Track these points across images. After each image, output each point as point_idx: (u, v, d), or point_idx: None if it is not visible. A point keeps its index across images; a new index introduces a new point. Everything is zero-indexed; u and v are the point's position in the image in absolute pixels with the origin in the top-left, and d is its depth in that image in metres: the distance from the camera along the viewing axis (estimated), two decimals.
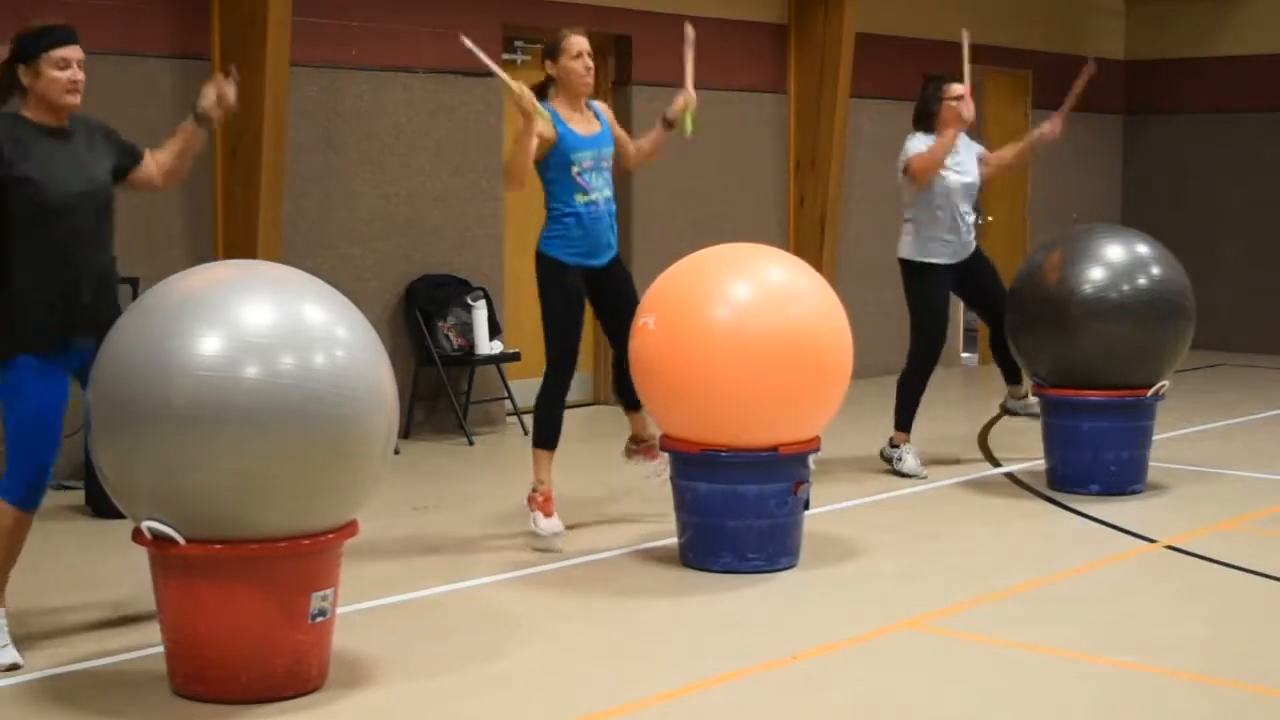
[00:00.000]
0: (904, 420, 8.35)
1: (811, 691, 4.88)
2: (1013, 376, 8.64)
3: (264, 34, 8.38)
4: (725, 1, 11.32)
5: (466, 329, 9.59)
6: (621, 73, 10.70)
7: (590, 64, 6.63)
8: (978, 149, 8.56)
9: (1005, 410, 8.91)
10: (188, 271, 4.87)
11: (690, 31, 6.91)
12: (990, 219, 13.42)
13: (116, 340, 4.63)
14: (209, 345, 4.42)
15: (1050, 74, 13.86)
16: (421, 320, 9.54)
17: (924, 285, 8.26)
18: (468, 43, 6.41)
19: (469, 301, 9.60)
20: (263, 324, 4.48)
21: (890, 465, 8.34)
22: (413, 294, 9.59)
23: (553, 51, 6.61)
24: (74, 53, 5.04)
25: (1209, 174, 14.61)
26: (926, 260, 8.21)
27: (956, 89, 8.11)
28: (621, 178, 10.67)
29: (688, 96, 6.78)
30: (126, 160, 5.29)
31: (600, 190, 6.60)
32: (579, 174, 6.54)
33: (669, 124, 6.82)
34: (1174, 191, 14.76)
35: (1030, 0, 13.74)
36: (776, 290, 6.16)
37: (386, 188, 9.52)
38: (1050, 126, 8.49)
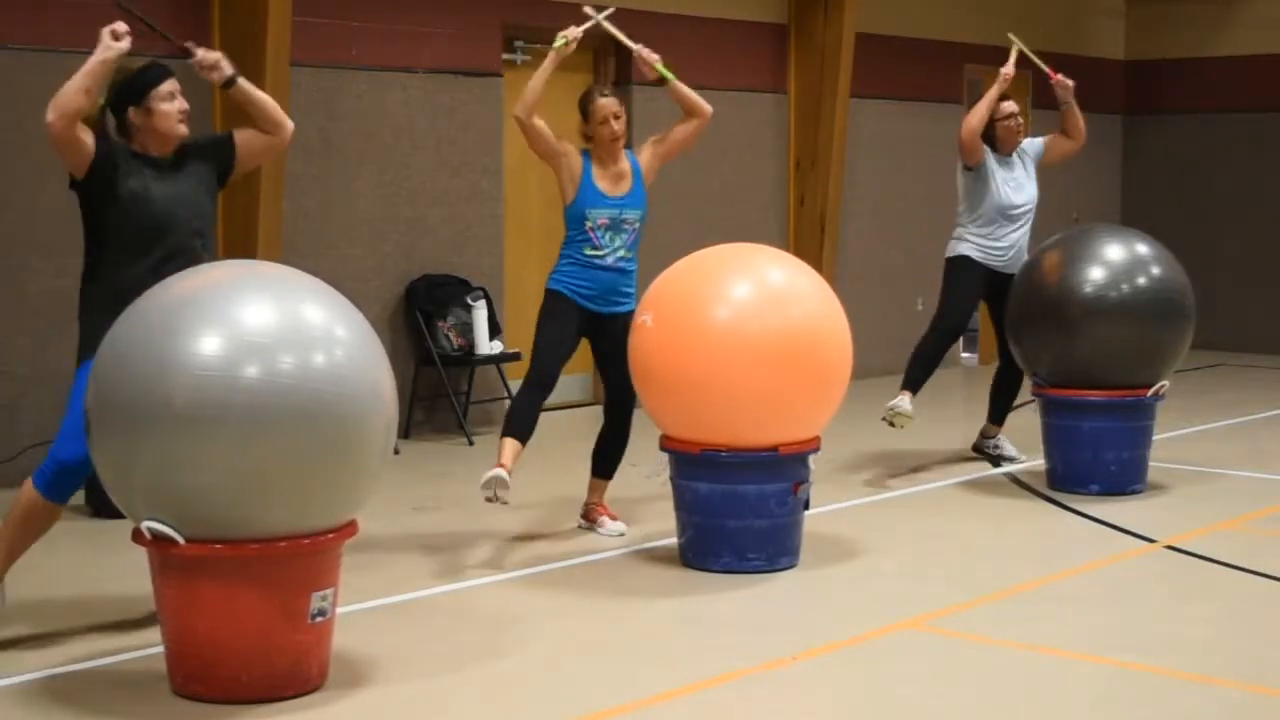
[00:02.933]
0: (912, 380, 8.27)
1: (811, 691, 4.88)
2: (998, 416, 8.62)
3: (264, 34, 8.39)
4: (725, 1, 11.33)
5: (466, 329, 9.59)
6: (621, 73, 10.68)
7: (616, 128, 6.67)
8: (1036, 148, 8.47)
9: (974, 448, 8.77)
10: (188, 271, 4.87)
11: (590, 10, 6.81)
12: None
13: (116, 340, 4.63)
14: (209, 345, 4.42)
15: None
16: (421, 320, 9.54)
17: (952, 276, 8.40)
18: (590, 10, 6.68)
19: (469, 301, 9.61)
20: (263, 324, 4.48)
21: (891, 421, 8.13)
22: (413, 294, 9.59)
23: (583, 112, 6.72)
24: (175, 84, 5.25)
25: (1209, 174, 14.61)
26: (960, 254, 8.33)
27: (1007, 107, 8.27)
28: None
29: (642, 54, 6.77)
30: (224, 152, 5.40)
31: (613, 250, 6.65)
32: (592, 229, 6.62)
33: (661, 82, 6.82)
34: (1174, 191, 14.76)
35: (1030, 0, 13.74)
36: (776, 290, 6.16)
37: (386, 188, 9.52)
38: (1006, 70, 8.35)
